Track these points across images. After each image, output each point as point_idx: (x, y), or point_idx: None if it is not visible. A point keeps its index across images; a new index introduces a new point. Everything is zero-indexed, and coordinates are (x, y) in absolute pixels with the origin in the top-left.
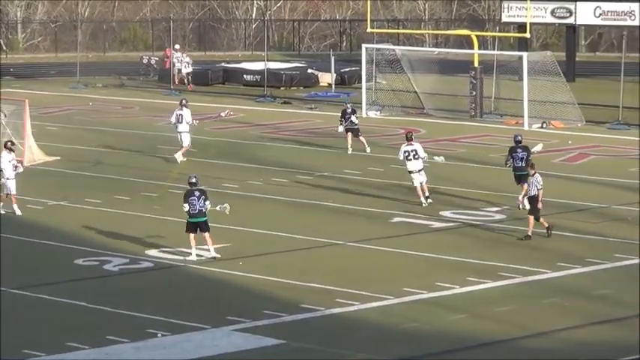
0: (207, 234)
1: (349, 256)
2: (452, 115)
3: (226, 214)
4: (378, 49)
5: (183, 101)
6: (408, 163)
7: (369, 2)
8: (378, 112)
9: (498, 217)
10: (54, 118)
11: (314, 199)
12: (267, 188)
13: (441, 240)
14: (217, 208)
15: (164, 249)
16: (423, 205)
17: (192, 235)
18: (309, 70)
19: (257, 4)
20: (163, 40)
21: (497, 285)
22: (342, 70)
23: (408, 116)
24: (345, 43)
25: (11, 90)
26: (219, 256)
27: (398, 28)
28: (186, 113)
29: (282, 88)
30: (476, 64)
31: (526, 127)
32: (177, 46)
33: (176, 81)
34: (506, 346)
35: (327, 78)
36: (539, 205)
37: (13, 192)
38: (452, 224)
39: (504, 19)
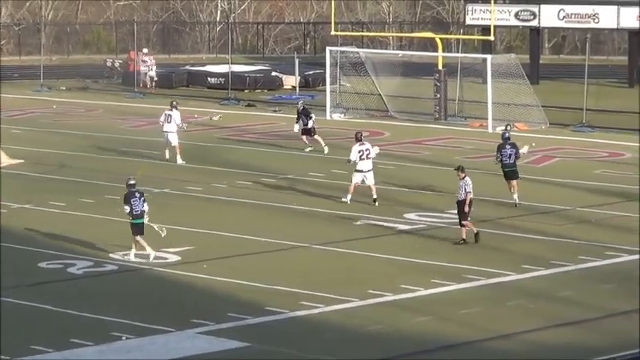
0: (139, 237)
1: (314, 259)
2: (416, 117)
3: (162, 235)
4: (342, 52)
5: (174, 102)
6: (360, 162)
7: (333, 5)
8: (342, 115)
9: None
10: (18, 121)
11: (278, 202)
12: (231, 191)
13: (405, 242)
14: (155, 227)
15: (128, 252)
16: (345, 200)
17: (137, 237)
18: (274, 73)
19: (221, 6)
20: (127, 43)
21: (462, 287)
22: (307, 73)
23: (372, 119)
24: (309, 46)
25: None
26: (154, 254)
27: (362, 31)
28: (176, 115)
29: (246, 91)
30: (440, 67)
31: (490, 130)
32: (145, 50)
33: (142, 84)
34: (471, 348)
35: (291, 81)
36: (467, 209)
37: None
38: (416, 226)
39: (468, 21)
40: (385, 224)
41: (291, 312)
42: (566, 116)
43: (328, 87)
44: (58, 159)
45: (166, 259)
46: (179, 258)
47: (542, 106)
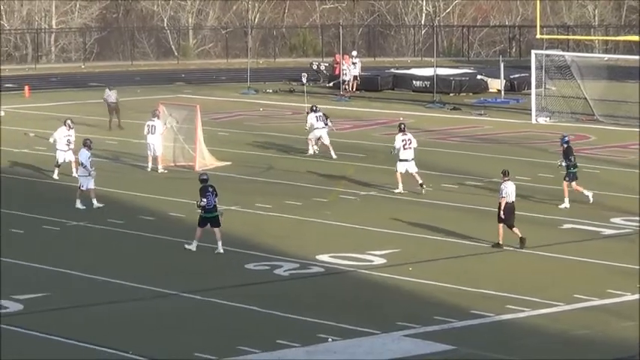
0: (217, 229)
1: (519, 263)
2: (622, 121)
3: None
4: (547, 55)
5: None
6: (403, 152)
7: (538, 8)
8: (548, 119)
9: None
10: (225, 124)
11: (483, 205)
12: (436, 194)
13: (611, 247)
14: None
15: (334, 254)
16: (398, 191)
17: (200, 230)
18: (479, 76)
19: (426, 10)
20: (333, 46)
21: None
22: (512, 76)
23: (578, 122)
24: (514, 49)
25: (183, 95)
26: (222, 251)
27: (567, 34)
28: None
29: (451, 94)
30: None
31: None
32: (354, 53)
33: (352, 87)
34: None
35: (496, 84)
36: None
37: (91, 187)
38: (623, 231)
39: None
40: (591, 228)
41: (496, 315)
42: None
43: (533, 90)
44: (264, 161)
45: (372, 261)
46: (385, 261)
47: None
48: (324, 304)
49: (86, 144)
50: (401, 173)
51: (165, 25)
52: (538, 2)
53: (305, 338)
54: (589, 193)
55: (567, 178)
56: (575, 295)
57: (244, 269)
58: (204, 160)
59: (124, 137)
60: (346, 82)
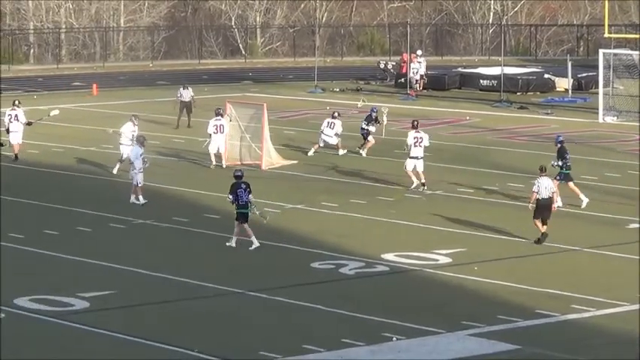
0: (245, 225)
1: (584, 262)
2: None
3: (264, 221)
4: (615, 54)
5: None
6: (414, 149)
7: (606, 7)
8: (615, 118)
9: None
10: (291, 122)
11: None
12: (502, 193)
13: None
14: (257, 212)
15: (400, 253)
16: (414, 187)
17: (236, 224)
18: (546, 75)
19: (494, 8)
20: (400, 45)
21: None
22: (579, 75)
23: None
24: (582, 48)
25: (249, 94)
26: (258, 244)
27: (636, 33)
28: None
29: (518, 93)
30: None
31: None
32: (419, 52)
33: (419, 87)
34: None
35: (563, 83)
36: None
37: (141, 184)
38: None
39: None
40: None
41: (561, 315)
42: None
43: (601, 90)
44: (330, 160)
45: (437, 260)
46: (450, 260)
47: None
48: (389, 303)
49: (139, 140)
50: (409, 171)
51: (232, 23)
52: (606, 1)
53: (369, 337)
54: (585, 199)
55: (559, 177)
56: None
57: (310, 268)
58: (271, 158)
59: (191, 136)
60: (416, 82)
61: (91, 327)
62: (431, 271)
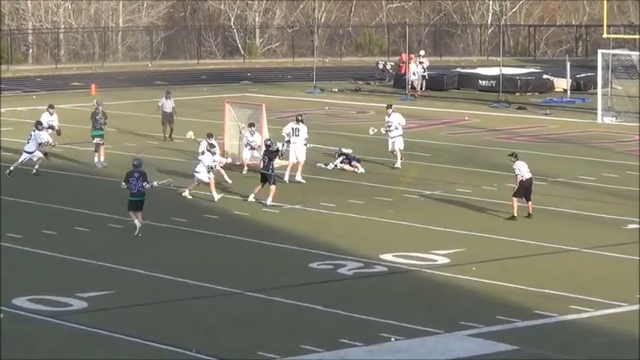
0: (139, 213)
1: (583, 263)
2: None
3: (169, 187)
4: (614, 55)
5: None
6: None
7: (605, 7)
8: (614, 119)
9: None
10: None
11: (548, 205)
12: (501, 194)
13: None
14: (155, 183)
15: (398, 254)
16: (396, 166)
17: (132, 213)
18: (545, 76)
19: (493, 9)
20: (399, 45)
21: None
22: (578, 76)
23: None
24: (580, 49)
25: (248, 94)
26: (140, 235)
27: (634, 34)
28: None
29: (517, 94)
30: None
31: None
32: (422, 52)
33: (422, 87)
34: None
35: (562, 83)
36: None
37: (206, 180)
38: None
39: None
40: None
41: (560, 316)
42: None
43: (600, 90)
44: (328, 160)
45: (435, 260)
46: (449, 260)
47: None
48: (388, 304)
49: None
50: (395, 150)
51: (231, 23)
52: (605, 1)
53: (368, 337)
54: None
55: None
56: (639, 296)
57: (308, 268)
58: None
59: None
60: (414, 82)
61: (90, 327)
62: (429, 271)
